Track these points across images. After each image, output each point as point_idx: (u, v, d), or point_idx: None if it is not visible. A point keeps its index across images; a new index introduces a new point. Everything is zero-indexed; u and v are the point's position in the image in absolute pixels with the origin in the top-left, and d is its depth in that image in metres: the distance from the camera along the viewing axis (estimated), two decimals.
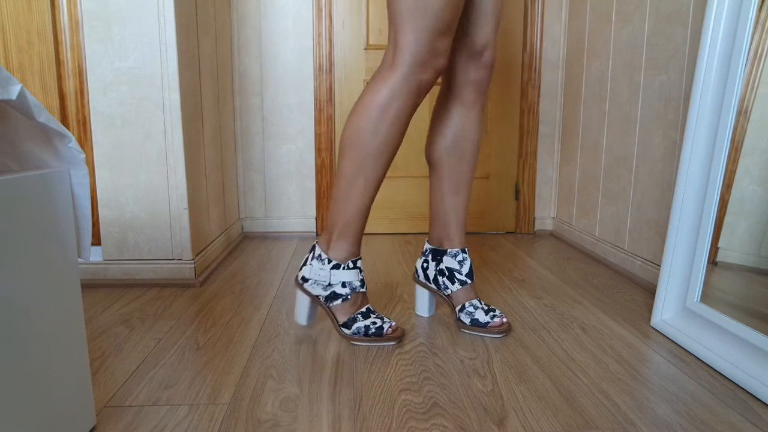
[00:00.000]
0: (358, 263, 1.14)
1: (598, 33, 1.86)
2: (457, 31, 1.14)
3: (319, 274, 1.12)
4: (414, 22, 1.00)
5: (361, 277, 1.14)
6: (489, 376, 0.99)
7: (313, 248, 1.15)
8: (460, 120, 1.19)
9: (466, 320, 1.18)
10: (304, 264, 1.15)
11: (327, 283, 1.12)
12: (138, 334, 1.18)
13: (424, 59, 1.03)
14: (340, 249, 1.12)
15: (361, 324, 1.12)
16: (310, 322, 1.18)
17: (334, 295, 1.12)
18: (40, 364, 0.66)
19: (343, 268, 1.11)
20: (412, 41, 1.01)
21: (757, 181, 1.03)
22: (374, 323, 1.13)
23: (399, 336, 1.14)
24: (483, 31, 1.14)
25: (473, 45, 1.15)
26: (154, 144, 1.47)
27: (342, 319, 1.13)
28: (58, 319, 0.70)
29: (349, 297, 1.13)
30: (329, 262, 1.11)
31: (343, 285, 1.12)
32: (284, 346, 1.12)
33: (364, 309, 1.14)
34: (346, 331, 1.12)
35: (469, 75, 1.17)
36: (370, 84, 1.07)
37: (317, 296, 1.13)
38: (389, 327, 1.13)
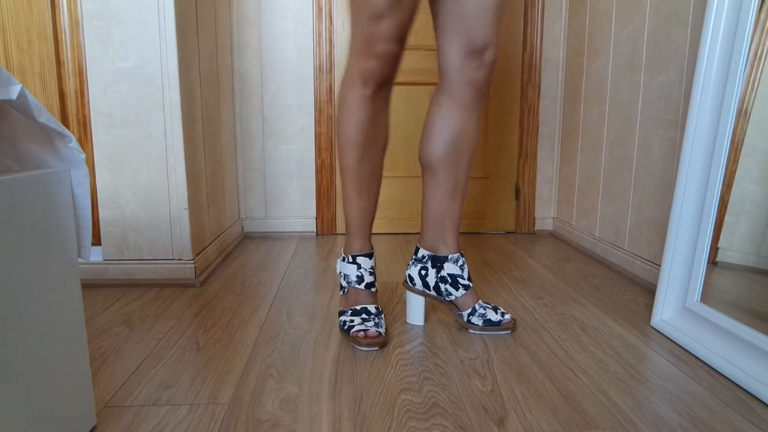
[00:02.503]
0: (358, 259, 1.17)
1: (598, 33, 1.86)
2: (455, 28, 1.09)
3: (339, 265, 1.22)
4: (353, 9, 1.05)
5: (358, 273, 1.17)
6: (489, 376, 0.99)
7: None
8: (459, 122, 1.14)
9: (479, 322, 1.18)
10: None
11: (339, 273, 1.21)
12: (138, 334, 1.18)
13: (362, 47, 1.05)
14: (346, 243, 1.21)
15: (342, 318, 1.16)
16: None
17: (341, 286, 1.20)
18: (40, 364, 0.66)
19: (343, 260, 1.19)
20: (354, 30, 1.05)
21: (757, 181, 1.03)
22: (351, 321, 1.12)
23: (368, 343, 1.07)
24: (484, 27, 1.07)
25: (473, 43, 1.08)
26: (154, 144, 1.47)
27: (340, 309, 1.19)
28: (58, 319, 0.70)
29: (345, 290, 1.19)
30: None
31: (343, 277, 1.19)
32: (284, 346, 1.12)
33: (358, 307, 1.15)
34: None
35: (468, 75, 1.11)
36: None
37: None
38: (360, 330, 1.08)
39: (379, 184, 1.21)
